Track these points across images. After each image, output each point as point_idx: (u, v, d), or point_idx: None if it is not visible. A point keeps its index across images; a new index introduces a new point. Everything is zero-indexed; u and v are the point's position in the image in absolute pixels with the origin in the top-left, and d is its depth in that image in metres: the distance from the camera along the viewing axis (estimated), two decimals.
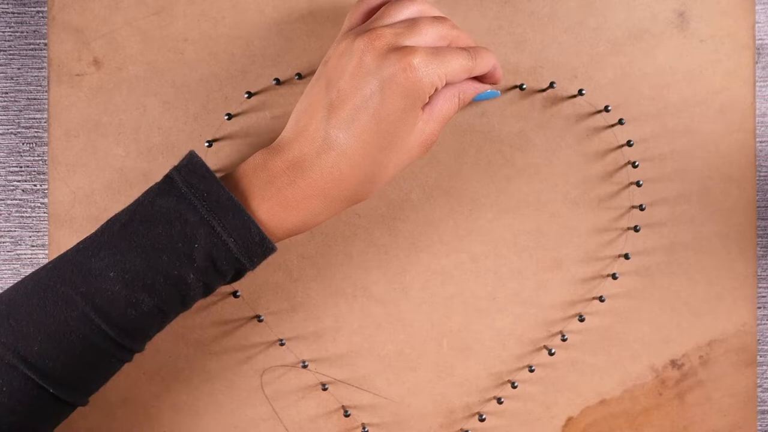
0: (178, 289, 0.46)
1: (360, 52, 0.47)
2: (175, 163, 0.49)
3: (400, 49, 0.47)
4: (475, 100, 0.55)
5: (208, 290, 0.48)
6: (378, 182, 0.49)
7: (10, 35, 0.57)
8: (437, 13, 0.51)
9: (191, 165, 0.48)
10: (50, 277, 0.46)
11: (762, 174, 0.58)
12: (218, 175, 0.55)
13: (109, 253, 0.46)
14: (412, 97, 0.47)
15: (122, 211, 0.48)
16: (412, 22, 0.49)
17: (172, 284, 0.46)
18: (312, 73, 0.56)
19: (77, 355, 0.46)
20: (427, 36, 0.49)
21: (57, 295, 0.46)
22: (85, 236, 0.48)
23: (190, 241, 0.46)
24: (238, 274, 0.49)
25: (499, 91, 0.56)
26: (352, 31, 0.49)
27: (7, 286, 0.57)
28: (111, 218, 0.48)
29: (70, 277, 0.46)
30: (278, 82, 0.56)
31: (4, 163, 0.57)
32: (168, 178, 0.48)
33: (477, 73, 0.51)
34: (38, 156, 0.57)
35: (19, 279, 0.49)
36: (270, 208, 0.48)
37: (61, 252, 0.55)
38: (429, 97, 0.49)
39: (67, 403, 0.47)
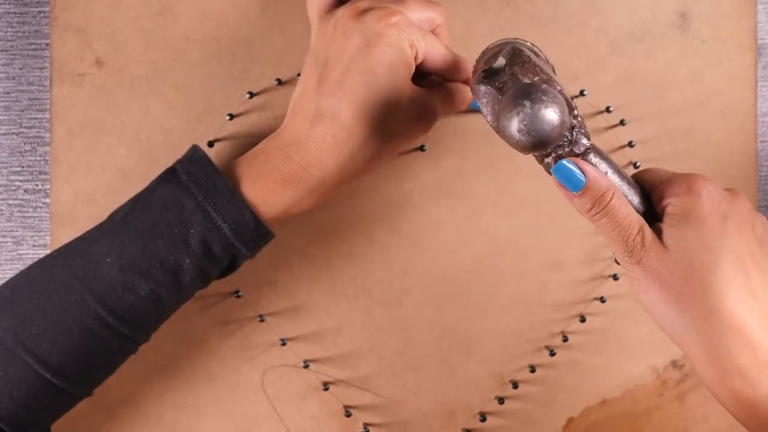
0: (173, 274, 0.47)
1: (343, 22, 0.48)
2: (173, 162, 0.49)
3: (380, 8, 0.48)
4: (474, 107, 0.55)
5: (205, 277, 0.48)
6: (375, 150, 0.49)
7: (12, 35, 0.57)
8: None
9: (194, 157, 0.49)
10: (53, 264, 0.47)
11: (763, 174, 0.58)
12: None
13: (108, 240, 0.47)
14: (397, 50, 0.48)
15: (127, 201, 0.49)
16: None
17: (167, 269, 0.47)
18: None
19: (75, 341, 0.46)
20: (413, 13, 0.50)
21: (57, 280, 0.46)
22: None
23: (185, 227, 0.47)
24: (235, 260, 0.49)
25: None
26: (330, 13, 0.50)
27: None
28: (115, 210, 0.49)
29: (71, 263, 0.47)
30: (280, 82, 0.56)
31: (6, 163, 0.57)
32: (170, 168, 0.49)
33: (454, 70, 0.52)
34: (40, 156, 0.58)
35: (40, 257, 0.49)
36: (266, 185, 0.48)
37: None
38: (419, 73, 0.50)
39: (65, 391, 0.47)
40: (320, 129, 0.48)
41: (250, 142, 0.56)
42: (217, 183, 0.47)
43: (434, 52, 0.50)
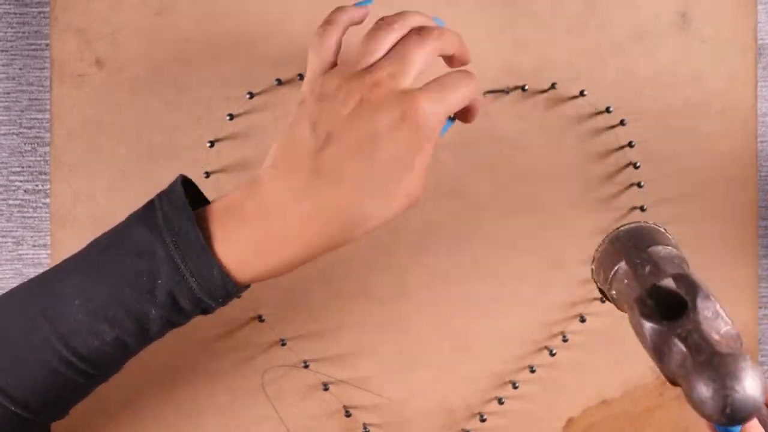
0: (140, 323, 0.46)
1: (355, 99, 0.45)
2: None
3: (400, 97, 0.45)
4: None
5: (174, 324, 0.47)
6: (360, 229, 0.46)
7: (12, 36, 0.57)
8: (415, 20, 0.48)
9: (173, 195, 0.47)
10: (24, 296, 0.47)
11: (763, 174, 0.58)
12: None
13: (79, 279, 0.46)
14: (417, 144, 0.45)
15: (105, 234, 0.48)
16: (401, 54, 0.46)
17: (133, 318, 0.45)
18: None
19: (41, 378, 0.46)
20: (419, 63, 0.46)
21: (25, 316, 0.46)
22: (73, 252, 0.48)
23: (153, 277, 0.45)
24: (206, 310, 0.48)
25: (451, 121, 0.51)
26: (335, 71, 0.47)
27: (8, 287, 0.57)
28: (95, 239, 0.48)
29: (41, 299, 0.46)
30: (280, 82, 0.56)
31: (6, 163, 0.57)
32: (150, 204, 0.47)
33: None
34: (40, 156, 0.58)
35: (15, 286, 0.49)
36: (239, 252, 0.46)
37: (63, 253, 0.55)
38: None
39: (35, 421, 0.47)
40: (309, 203, 0.45)
41: (250, 142, 0.56)
42: (189, 234, 0.45)
43: (456, 107, 0.47)
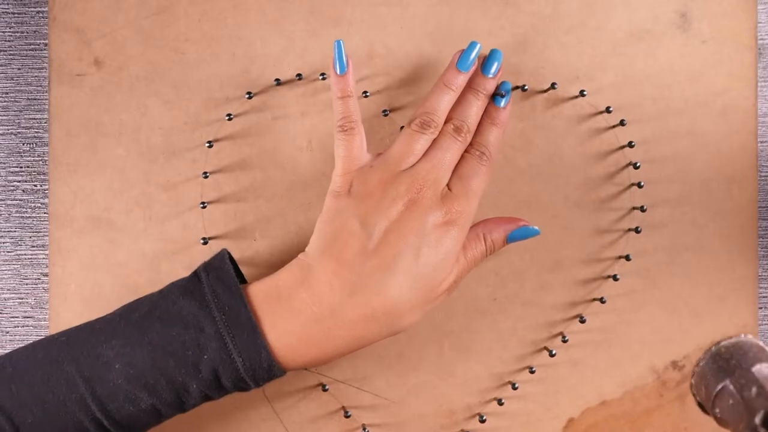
0: (178, 395, 0.47)
1: (403, 201, 0.48)
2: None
3: (441, 200, 0.49)
4: (515, 240, 0.54)
5: (207, 400, 0.48)
6: (406, 324, 0.49)
7: (11, 35, 0.57)
8: (438, 109, 0.51)
9: (221, 271, 0.48)
10: (60, 353, 0.47)
11: (763, 174, 0.58)
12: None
13: (120, 343, 0.46)
14: (459, 240, 0.49)
15: (146, 299, 0.48)
16: (438, 156, 0.50)
17: (173, 389, 0.46)
18: (313, 73, 0.56)
19: None
20: (453, 156, 0.50)
21: (61, 373, 0.46)
22: (107, 313, 0.48)
23: (200, 351, 0.46)
24: (242, 390, 0.49)
25: (538, 229, 0.54)
26: (373, 168, 0.50)
27: (7, 287, 0.57)
28: (134, 302, 0.48)
29: (79, 358, 0.46)
30: (279, 82, 0.56)
31: (4, 163, 0.57)
32: (196, 276, 0.48)
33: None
34: (39, 156, 0.57)
35: (29, 343, 0.49)
36: (290, 343, 0.47)
37: (62, 253, 0.55)
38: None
39: None
40: (359, 300, 0.47)
41: (249, 142, 0.56)
42: (240, 314, 0.46)
43: (482, 192, 0.51)
